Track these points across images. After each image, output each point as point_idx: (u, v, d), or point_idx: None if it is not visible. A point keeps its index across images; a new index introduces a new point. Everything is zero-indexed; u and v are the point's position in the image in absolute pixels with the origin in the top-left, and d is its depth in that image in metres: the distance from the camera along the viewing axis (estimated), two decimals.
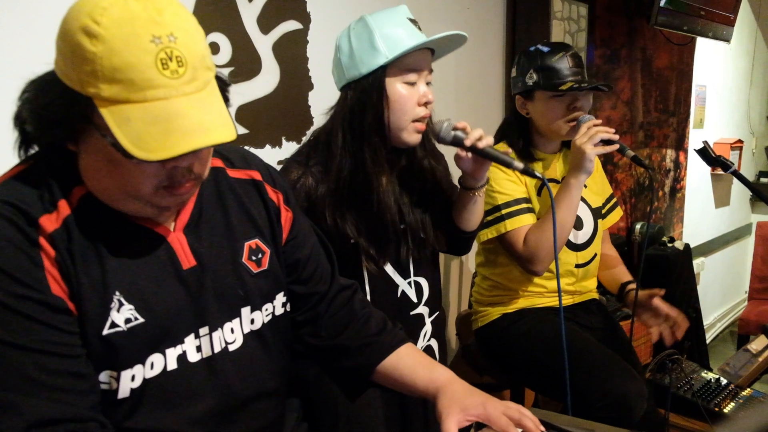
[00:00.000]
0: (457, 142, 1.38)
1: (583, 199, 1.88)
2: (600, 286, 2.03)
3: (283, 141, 1.87)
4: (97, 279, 0.85)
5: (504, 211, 1.74)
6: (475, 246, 2.39)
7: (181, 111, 0.78)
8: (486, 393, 1.04)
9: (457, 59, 2.39)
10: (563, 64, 1.76)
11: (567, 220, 1.69)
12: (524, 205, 1.76)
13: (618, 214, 2.05)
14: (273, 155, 1.85)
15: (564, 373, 1.43)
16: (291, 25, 1.85)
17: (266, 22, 1.79)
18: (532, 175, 1.40)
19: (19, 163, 0.89)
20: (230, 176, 1.03)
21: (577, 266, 1.87)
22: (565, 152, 1.91)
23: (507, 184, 1.76)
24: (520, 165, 1.37)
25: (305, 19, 1.89)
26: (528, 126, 1.85)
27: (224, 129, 0.80)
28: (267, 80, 1.81)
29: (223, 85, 0.87)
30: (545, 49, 1.80)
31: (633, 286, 1.93)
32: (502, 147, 1.79)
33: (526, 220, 1.74)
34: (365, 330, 1.15)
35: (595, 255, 1.92)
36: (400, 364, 1.11)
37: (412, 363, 1.11)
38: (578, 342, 1.73)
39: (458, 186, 1.53)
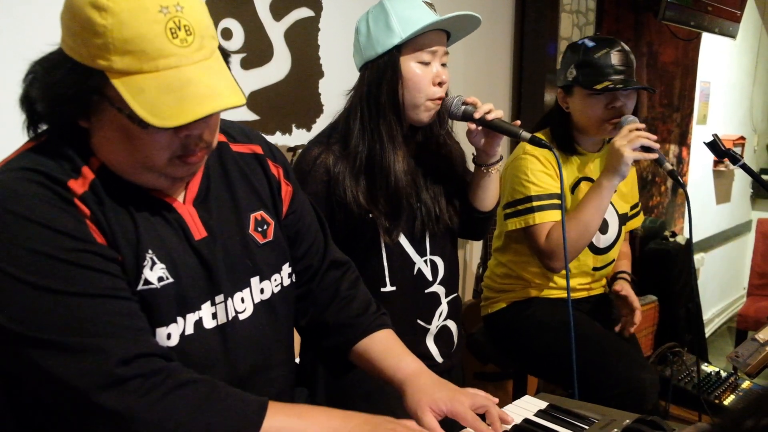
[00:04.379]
0: (467, 116, 1.41)
1: (611, 204, 1.83)
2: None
3: (293, 128, 1.88)
4: (131, 237, 0.88)
5: (535, 203, 1.71)
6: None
7: (193, 78, 0.80)
8: (454, 385, 1.05)
9: (465, 51, 2.39)
10: (606, 60, 1.71)
11: (594, 221, 1.66)
12: (555, 201, 1.72)
13: (640, 219, 2.02)
14: (283, 142, 1.85)
15: (574, 362, 1.45)
16: (303, 12, 1.86)
17: (278, 9, 1.80)
18: (540, 144, 1.41)
19: (29, 140, 0.90)
20: (233, 150, 1.05)
21: (595, 269, 1.86)
22: (603, 153, 1.86)
23: (543, 176, 1.73)
24: (527, 135, 1.39)
25: (317, 6, 1.89)
26: (569, 120, 1.81)
27: (234, 94, 0.83)
28: (278, 67, 1.82)
29: (225, 56, 0.89)
30: (591, 43, 1.75)
31: (624, 275, 1.92)
32: (542, 135, 1.73)
33: (554, 216, 1.71)
34: (346, 311, 1.16)
35: (614, 260, 1.91)
36: (371, 349, 1.12)
37: (382, 349, 1.12)
38: (592, 332, 1.73)
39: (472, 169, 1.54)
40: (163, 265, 0.89)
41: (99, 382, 0.78)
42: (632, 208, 1.99)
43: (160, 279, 0.89)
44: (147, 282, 0.88)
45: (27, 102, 0.86)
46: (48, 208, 0.81)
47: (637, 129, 1.63)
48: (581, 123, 1.78)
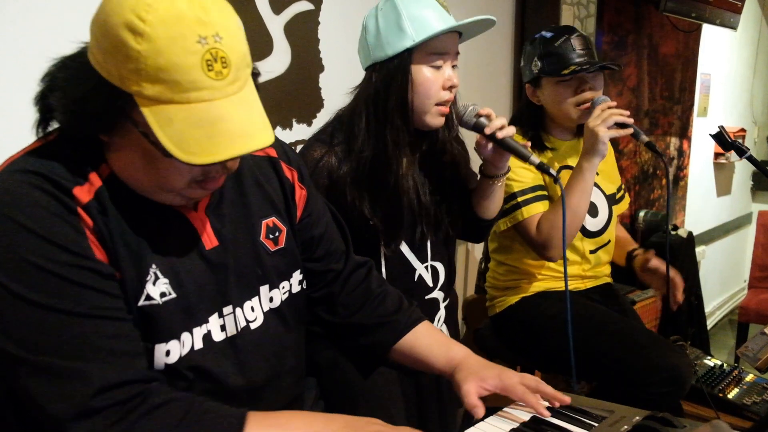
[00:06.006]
0: (478, 129, 1.38)
1: (598, 186, 1.86)
2: (612, 272, 2.03)
3: (294, 123, 1.86)
4: (134, 250, 0.85)
5: (520, 199, 1.72)
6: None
7: (225, 114, 0.77)
8: (502, 366, 1.07)
9: (466, 44, 2.37)
10: (567, 46, 1.73)
11: (581, 205, 1.66)
12: (539, 193, 1.74)
13: (626, 203, 2.03)
14: (284, 137, 1.83)
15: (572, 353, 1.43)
16: (302, 5, 1.84)
17: (278, 3, 1.77)
18: (546, 171, 1.40)
19: (37, 139, 0.87)
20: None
21: (592, 252, 1.87)
22: (580, 140, 1.88)
23: (522, 171, 1.74)
24: (536, 160, 1.37)
25: None
26: (541, 113, 1.83)
27: (265, 133, 0.80)
28: (278, 61, 1.80)
29: (255, 75, 0.87)
30: (548, 34, 1.77)
31: (639, 251, 1.94)
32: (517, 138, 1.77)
33: (541, 208, 1.73)
34: (382, 308, 1.16)
35: (609, 241, 1.91)
36: (416, 343, 1.14)
37: (428, 342, 1.14)
38: (618, 321, 1.72)
39: (477, 174, 1.52)
40: (166, 280, 0.87)
41: (74, 411, 0.76)
42: (618, 190, 2.00)
43: (163, 294, 0.87)
44: (149, 297, 0.86)
45: (42, 103, 0.83)
46: (48, 218, 0.79)
47: (609, 107, 1.64)
48: (554, 113, 1.80)
